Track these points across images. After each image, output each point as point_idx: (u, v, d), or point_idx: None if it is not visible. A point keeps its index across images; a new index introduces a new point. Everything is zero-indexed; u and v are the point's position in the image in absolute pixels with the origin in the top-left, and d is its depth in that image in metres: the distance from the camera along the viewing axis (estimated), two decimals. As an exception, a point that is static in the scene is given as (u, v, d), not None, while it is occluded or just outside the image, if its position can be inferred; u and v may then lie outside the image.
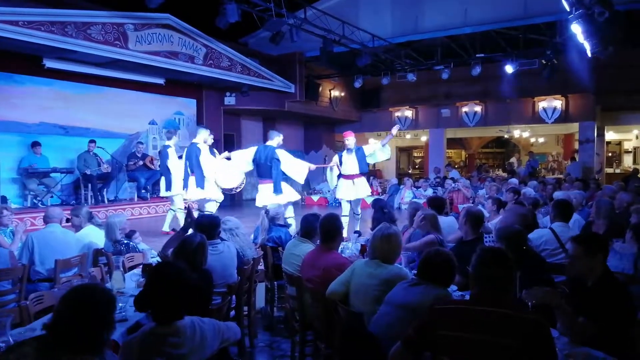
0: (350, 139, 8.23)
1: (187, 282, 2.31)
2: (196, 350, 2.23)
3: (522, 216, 4.19)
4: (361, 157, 8.14)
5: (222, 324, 2.44)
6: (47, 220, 4.89)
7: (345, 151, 8.27)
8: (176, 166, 8.61)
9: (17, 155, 9.62)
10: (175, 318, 2.22)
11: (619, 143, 19.18)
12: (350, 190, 8.16)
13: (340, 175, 8.33)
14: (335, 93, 16.62)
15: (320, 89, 15.67)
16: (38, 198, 9.38)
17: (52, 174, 9.70)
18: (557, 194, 7.48)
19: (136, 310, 2.90)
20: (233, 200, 13.86)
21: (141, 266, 4.24)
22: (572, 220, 5.07)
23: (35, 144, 9.58)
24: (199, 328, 2.27)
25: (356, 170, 8.11)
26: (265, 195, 7.59)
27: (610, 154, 18.74)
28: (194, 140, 8.05)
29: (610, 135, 17.68)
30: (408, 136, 20.39)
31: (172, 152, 8.89)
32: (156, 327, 2.20)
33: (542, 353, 2.01)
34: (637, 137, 18.42)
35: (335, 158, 8.41)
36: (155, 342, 2.16)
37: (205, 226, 3.86)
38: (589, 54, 10.47)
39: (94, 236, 5.03)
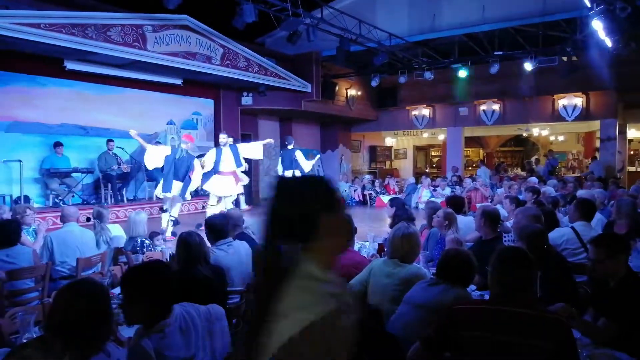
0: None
1: (188, 273, 2.30)
2: (192, 332, 2.22)
3: (533, 217, 4.11)
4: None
5: (202, 307, 2.37)
6: (64, 219, 4.99)
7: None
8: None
9: (39, 156, 9.79)
10: (158, 319, 2.15)
11: (642, 141, 18.82)
12: None
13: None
14: (352, 92, 16.58)
15: (337, 88, 15.65)
16: (60, 197, 9.54)
17: (73, 174, 9.86)
18: (580, 193, 7.38)
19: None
20: (252, 199, 13.93)
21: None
22: (595, 220, 5.00)
23: (57, 145, 9.74)
24: (185, 312, 2.25)
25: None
26: None
27: (632, 152, 18.38)
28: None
29: (632, 133, 17.35)
30: (425, 135, 20.26)
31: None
32: (144, 330, 2.16)
33: (563, 353, 1.98)
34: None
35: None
36: (158, 336, 2.12)
37: (217, 226, 3.89)
38: (610, 51, 10.31)
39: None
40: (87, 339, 1.84)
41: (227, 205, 8.86)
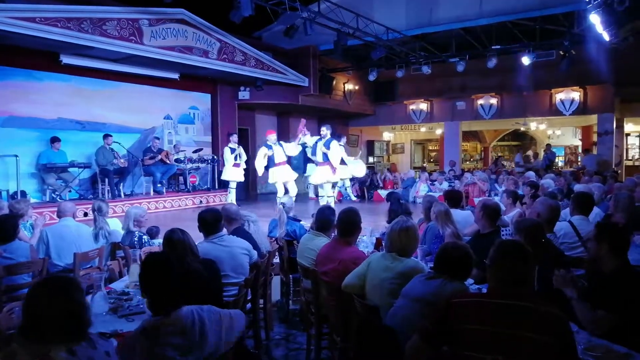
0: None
1: (178, 268, 2.34)
2: (197, 338, 2.24)
3: (551, 208, 4.11)
4: None
5: (225, 312, 2.42)
6: (60, 214, 4.98)
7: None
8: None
9: (35, 151, 9.75)
10: (171, 308, 2.23)
11: (640, 135, 18.80)
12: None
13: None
14: (350, 86, 16.55)
15: (334, 82, 15.61)
16: (56, 192, 9.50)
17: (70, 169, 9.82)
18: (578, 187, 7.39)
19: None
20: (248, 193, 13.94)
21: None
22: (593, 214, 5.00)
23: (53, 140, 9.69)
24: (197, 316, 2.28)
25: None
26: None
27: (629, 146, 18.40)
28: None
29: (629, 127, 17.37)
30: (423, 129, 20.24)
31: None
32: (154, 320, 2.22)
33: (561, 346, 1.99)
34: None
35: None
36: (154, 334, 2.17)
37: (208, 220, 3.88)
38: (608, 44, 10.31)
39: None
40: (67, 329, 1.87)
41: (326, 193, 10.53)
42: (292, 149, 10.61)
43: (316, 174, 10.60)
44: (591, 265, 2.97)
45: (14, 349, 1.81)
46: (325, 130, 10.54)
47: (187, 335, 2.21)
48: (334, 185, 11.38)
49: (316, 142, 10.44)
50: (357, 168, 12.21)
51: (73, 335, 1.89)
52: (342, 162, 11.82)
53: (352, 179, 13.16)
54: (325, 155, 10.33)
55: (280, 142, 10.74)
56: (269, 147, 10.43)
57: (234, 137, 11.81)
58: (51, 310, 1.85)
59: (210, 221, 3.86)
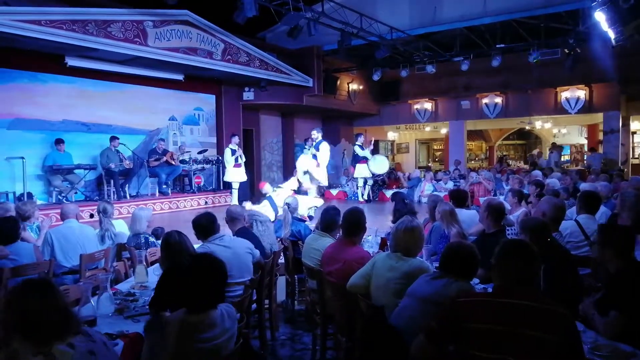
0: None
1: (225, 271, 2.43)
2: (225, 334, 2.33)
3: (556, 206, 4.10)
4: None
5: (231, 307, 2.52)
6: (63, 217, 5.01)
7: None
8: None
9: (41, 153, 9.79)
10: (211, 307, 2.31)
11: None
12: None
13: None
14: (354, 86, 16.53)
15: (339, 82, 15.60)
16: (63, 194, 9.55)
17: (76, 171, 9.87)
18: (584, 186, 7.35)
19: (153, 312, 2.91)
20: (253, 194, 13.94)
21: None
22: (599, 213, 4.98)
23: (58, 142, 9.73)
24: (226, 312, 2.37)
25: None
26: None
27: (635, 145, 18.28)
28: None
29: (635, 125, 17.26)
30: (427, 129, 20.21)
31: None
32: (190, 316, 2.27)
33: (567, 345, 1.98)
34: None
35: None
36: (189, 330, 2.24)
37: (203, 224, 3.90)
38: (613, 42, 10.24)
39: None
40: (60, 328, 1.89)
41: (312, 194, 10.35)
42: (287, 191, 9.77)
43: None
44: (598, 265, 2.97)
45: (15, 348, 1.82)
46: (316, 134, 10.68)
47: (217, 325, 2.30)
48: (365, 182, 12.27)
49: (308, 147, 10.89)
50: (379, 165, 12.16)
51: (69, 330, 1.92)
52: (356, 161, 12.32)
53: (373, 175, 12.99)
54: (314, 157, 10.44)
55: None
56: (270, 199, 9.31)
57: (235, 139, 11.88)
58: (45, 308, 1.87)
59: (206, 224, 3.90)
